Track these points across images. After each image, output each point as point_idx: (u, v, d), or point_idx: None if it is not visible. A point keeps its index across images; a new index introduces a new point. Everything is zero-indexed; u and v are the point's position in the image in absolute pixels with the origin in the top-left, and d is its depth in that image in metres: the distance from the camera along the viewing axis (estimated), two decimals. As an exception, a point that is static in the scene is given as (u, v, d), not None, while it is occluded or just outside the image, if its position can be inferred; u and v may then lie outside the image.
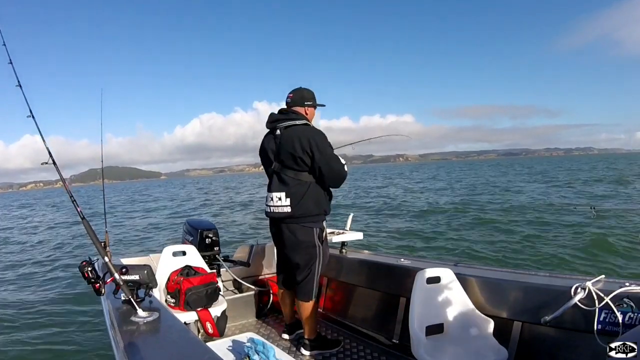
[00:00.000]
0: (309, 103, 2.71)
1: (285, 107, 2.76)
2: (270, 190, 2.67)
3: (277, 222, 2.69)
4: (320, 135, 2.58)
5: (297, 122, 2.60)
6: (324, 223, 2.71)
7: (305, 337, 2.78)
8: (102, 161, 3.08)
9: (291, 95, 2.72)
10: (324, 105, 2.85)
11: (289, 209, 2.57)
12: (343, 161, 2.60)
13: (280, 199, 2.59)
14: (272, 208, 2.65)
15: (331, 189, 2.71)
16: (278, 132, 2.62)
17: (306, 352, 2.74)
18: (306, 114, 2.70)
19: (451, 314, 2.34)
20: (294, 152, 2.52)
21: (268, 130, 2.73)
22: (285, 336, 3.06)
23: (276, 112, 2.73)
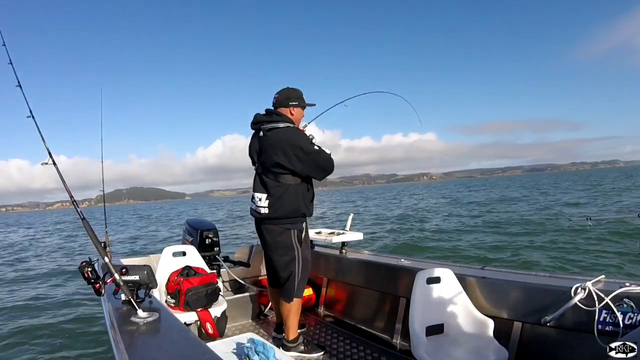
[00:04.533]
0: (293, 103, 2.66)
1: (272, 107, 2.72)
2: (254, 190, 2.72)
3: (258, 222, 2.74)
4: (301, 137, 2.58)
5: (280, 125, 2.58)
6: (303, 225, 2.71)
7: (285, 337, 2.75)
8: (102, 161, 3.09)
9: (277, 95, 2.69)
10: (313, 105, 2.80)
11: (266, 210, 2.61)
12: (328, 151, 2.58)
13: (260, 199, 2.63)
14: (254, 208, 2.70)
15: (319, 180, 2.69)
16: (261, 133, 2.63)
17: (290, 353, 2.65)
18: (291, 114, 2.66)
19: (451, 314, 2.34)
20: (278, 159, 2.53)
21: (253, 130, 2.74)
22: (275, 334, 3.03)
23: (264, 112, 2.70)
